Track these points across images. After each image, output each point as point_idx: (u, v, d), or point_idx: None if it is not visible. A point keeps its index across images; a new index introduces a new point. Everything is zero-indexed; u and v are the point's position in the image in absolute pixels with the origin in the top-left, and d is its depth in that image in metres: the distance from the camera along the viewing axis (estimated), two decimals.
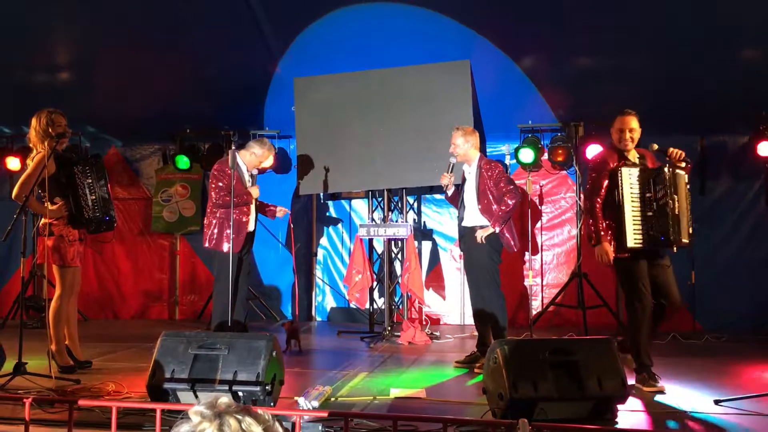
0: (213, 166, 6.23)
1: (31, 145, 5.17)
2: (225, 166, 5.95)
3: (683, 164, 4.74)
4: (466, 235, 5.72)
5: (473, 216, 5.64)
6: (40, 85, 7.87)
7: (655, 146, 4.85)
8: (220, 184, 5.95)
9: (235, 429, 1.29)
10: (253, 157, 6.18)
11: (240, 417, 1.31)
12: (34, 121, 5.09)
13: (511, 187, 5.52)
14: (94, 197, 5.23)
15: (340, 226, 8.86)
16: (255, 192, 6.15)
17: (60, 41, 7.29)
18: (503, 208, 5.46)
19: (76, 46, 7.38)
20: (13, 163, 8.54)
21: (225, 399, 1.34)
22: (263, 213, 6.53)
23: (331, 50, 7.39)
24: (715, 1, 6.13)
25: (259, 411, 1.35)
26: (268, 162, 6.33)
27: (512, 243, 5.58)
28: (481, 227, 5.55)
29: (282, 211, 6.51)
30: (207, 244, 6.05)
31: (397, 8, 6.74)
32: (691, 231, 4.77)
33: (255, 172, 6.32)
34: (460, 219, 5.80)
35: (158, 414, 3.08)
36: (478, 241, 5.52)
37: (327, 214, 8.94)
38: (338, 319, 8.68)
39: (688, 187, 4.75)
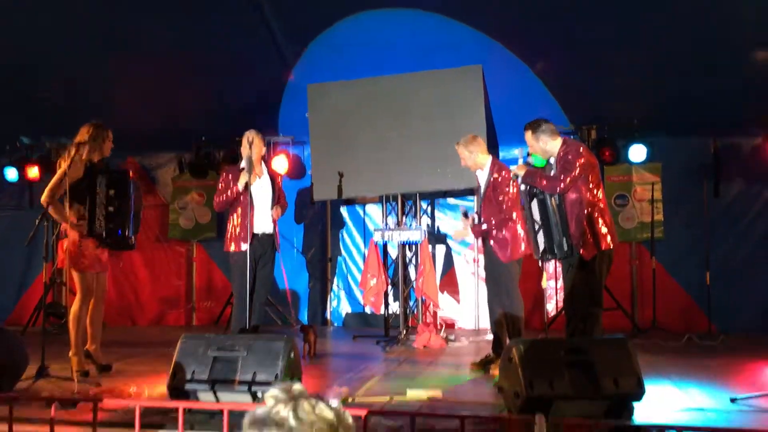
0: None
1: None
2: (226, 170, 5.97)
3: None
4: (485, 238, 5.69)
5: None
6: (60, 99, 7.99)
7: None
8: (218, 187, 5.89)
9: (309, 412, 1.34)
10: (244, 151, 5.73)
11: (314, 402, 1.37)
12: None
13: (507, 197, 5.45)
14: (111, 209, 5.19)
15: (354, 230, 8.92)
16: (242, 179, 5.55)
17: (81, 60, 7.38)
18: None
19: (96, 64, 7.47)
20: (32, 172, 8.67)
21: (298, 386, 1.39)
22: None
23: (343, 57, 7.46)
24: (729, 3, 6.15)
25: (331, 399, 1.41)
26: (257, 150, 5.79)
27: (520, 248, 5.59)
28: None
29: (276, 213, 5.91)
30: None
31: (408, 14, 6.81)
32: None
33: (255, 157, 5.76)
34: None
35: (181, 412, 3.14)
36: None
37: (341, 218, 9.01)
38: (354, 323, 8.73)
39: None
